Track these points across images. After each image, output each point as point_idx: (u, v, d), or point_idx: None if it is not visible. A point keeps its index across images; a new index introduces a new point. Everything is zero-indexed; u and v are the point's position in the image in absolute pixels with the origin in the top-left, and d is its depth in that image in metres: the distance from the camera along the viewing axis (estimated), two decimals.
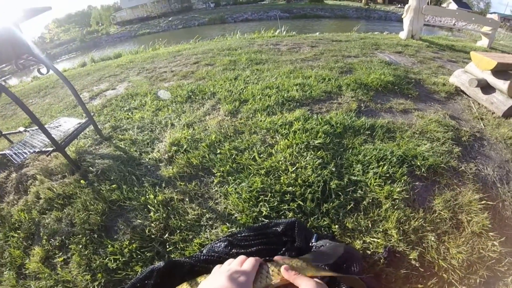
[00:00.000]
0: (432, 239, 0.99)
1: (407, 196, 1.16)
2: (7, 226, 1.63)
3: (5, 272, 1.44)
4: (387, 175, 1.26)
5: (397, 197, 1.14)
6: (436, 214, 1.09)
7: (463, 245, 0.98)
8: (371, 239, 1.01)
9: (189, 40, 7.48)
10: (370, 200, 1.15)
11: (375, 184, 1.21)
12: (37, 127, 2.39)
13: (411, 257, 0.94)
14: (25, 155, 1.82)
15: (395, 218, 1.05)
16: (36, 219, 1.59)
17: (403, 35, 4.80)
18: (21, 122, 3.03)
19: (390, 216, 1.06)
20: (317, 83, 2.27)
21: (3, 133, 2.54)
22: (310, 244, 0.80)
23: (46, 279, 1.27)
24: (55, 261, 1.34)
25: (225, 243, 0.96)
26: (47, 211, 1.60)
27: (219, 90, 2.46)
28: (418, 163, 1.31)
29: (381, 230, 1.04)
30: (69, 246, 1.34)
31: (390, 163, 1.30)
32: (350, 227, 1.06)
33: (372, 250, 0.97)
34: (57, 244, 1.40)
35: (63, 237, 1.41)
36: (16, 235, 1.55)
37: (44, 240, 1.43)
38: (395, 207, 1.10)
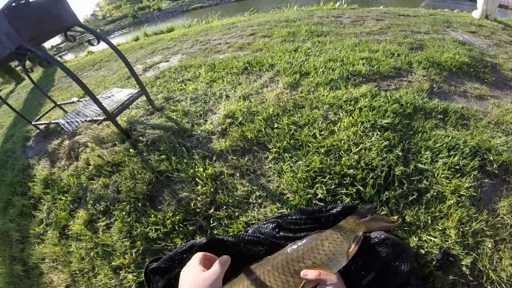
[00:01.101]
0: (489, 245, 1.03)
1: (475, 193, 1.19)
2: (56, 189, 2.04)
3: (49, 232, 1.83)
4: (457, 167, 1.30)
5: (464, 193, 1.19)
6: (499, 218, 1.13)
7: None
8: (428, 237, 1.07)
9: (243, 13, 8.26)
10: (435, 193, 1.21)
11: (442, 175, 1.27)
12: (89, 98, 2.99)
13: (463, 263, 0.99)
14: (77, 124, 2.25)
15: (457, 217, 1.10)
16: (84, 184, 1.94)
17: (476, 14, 5.10)
18: (76, 93, 3.75)
19: (453, 214, 1.12)
20: (385, 58, 2.42)
21: (57, 103, 3.21)
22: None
23: (87, 241, 1.57)
24: (98, 225, 1.63)
25: (273, 225, 1.05)
26: (95, 177, 1.93)
27: (277, 62, 2.69)
28: (491, 158, 1.34)
29: (440, 228, 1.09)
30: (113, 212, 1.61)
31: (462, 153, 1.35)
32: (408, 220, 1.12)
33: (426, 250, 1.03)
34: (101, 209, 1.69)
35: (108, 203, 1.69)
36: (63, 198, 1.93)
37: (90, 205, 1.74)
38: (460, 205, 1.15)
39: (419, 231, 1.10)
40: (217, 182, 1.50)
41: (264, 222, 1.07)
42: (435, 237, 1.07)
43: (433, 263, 0.97)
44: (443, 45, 2.82)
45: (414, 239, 1.08)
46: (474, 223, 1.10)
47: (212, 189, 1.46)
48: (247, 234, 1.05)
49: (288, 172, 1.41)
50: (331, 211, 1.01)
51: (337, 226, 0.89)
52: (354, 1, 7.53)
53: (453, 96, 1.96)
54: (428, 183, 1.25)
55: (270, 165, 1.52)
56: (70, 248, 1.63)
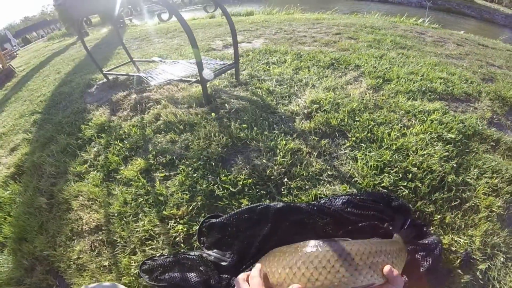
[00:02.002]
0: (501, 260, 1.33)
1: (503, 213, 1.52)
2: (113, 135, 2.32)
3: (92, 172, 2.07)
4: (495, 187, 1.65)
5: (495, 210, 1.52)
6: None
7: None
8: (458, 238, 1.39)
9: (323, 10, 9.75)
10: (473, 204, 1.55)
11: (482, 191, 1.61)
12: (173, 60, 3.40)
13: (479, 268, 1.29)
14: (162, 80, 2.61)
15: (484, 228, 1.42)
16: (148, 136, 2.20)
17: None
18: (148, 55, 4.31)
19: (481, 225, 1.44)
20: (460, 83, 2.91)
21: (133, 59, 3.65)
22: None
23: (139, 187, 1.76)
24: (155, 175, 1.83)
25: (344, 200, 1.31)
26: (162, 132, 2.21)
27: (363, 64, 3.23)
28: None
29: (469, 234, 1.41)
30: (178, 166, 1.84)
31: (501, 178, 1.71)
32: (447, 221, 1.46)
33: (454, 248, 1.35)
34: (163, 161, 1.91)
35: (174, 157, 1.92)
36: (120, 144, 2.18)
37: (151, 155, 1.97)
38: (489, 219, 1.48)
39: (453, 231, 1.43)
40: (295, 157, 1.81)
41: (336, 196, 1.36)
42: (464, 240, 1.38)
43: (458, 260, 1.30)
44: None
45: (447, 237, 1.39)
46: (495, 237, 1.40)
47: (289, 162, 1.76)
48: (320, 204, 1.30)
49: (361, 159, 1.77)
50: (393, 202, 1.36)
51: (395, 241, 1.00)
52: (434, 20, 8.91)
53: (507, 130, 2.33)
54: (469, 195, 1.59)
55: (346, 151, 1.88)
56: (113, 191, 1.83)
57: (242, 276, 0.82)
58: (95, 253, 1.55)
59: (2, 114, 4.46)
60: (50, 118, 3.25)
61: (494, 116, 2.41)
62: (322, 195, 1.53)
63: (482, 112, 2.41)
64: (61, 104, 3.53)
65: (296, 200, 1.53)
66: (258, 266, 0.82)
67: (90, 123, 2.64)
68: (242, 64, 3.39)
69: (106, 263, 1.47)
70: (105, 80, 3.52)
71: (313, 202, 1.36)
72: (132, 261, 1.42)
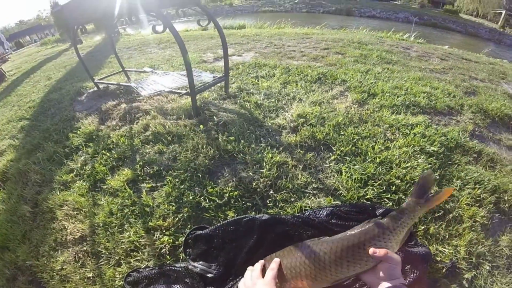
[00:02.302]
0: (487, 268, 1.36)
1: (486, 222, 1.57)
2: (100, 145, 2.31)
3: (78, 182, 2.05)
4: (478, 198, 1.71)
5: (478, 220, 1.56)
6: (499, 248, 1.47)
7: (507, 285, 1.32)
8: (443, 248, 1.41)
9: (313, 25, 10.04)
10: (456, 215, 1.59)
11: (465, 202, 1.66)
12: (164, 71, 3.41)
13: (465, 277, 1.32)
14: (153, 91, 2.62)
15: (468, 237, 1.45)
16: (136, 147, 2.20)
17: None
18: (139, 64, 4.32)
19: (465, 235, 1.47)
20: (443, 96, 3.01)
21: (124, 69, 3.66)
22: None
23: (125, 198, 1.75)
24: (142, 185, 1.82)
25: (328, 211, 1.35)
26: (150, 143, 2.22)
27: (349, 79, 3.33)
28: (506, 198, 1.75)
29: (453, 244, 1.44)
30: (165, 177, 1.84)
31: (484, 188, 1.77)
32: (431, 231, 1.48)
33: (440, 258, 1.37)
34: (150, 172, 1.91)
35: (161, 168, 1.92)
36: (108, 154, 2.17)
37: (138, 166, 1.96)
38: (472, 229, 1.52)
39: (437, 242, 1.45)
40: (281, 169, 1.85)
41: (320, 208, 1.39)
42: (449, 250, 1.40)
43: (443, 270, 1.32)
44: (494, 95, 3.36)
45: (432, 247, 1.41)
46: (480, 246, 1.44)
47: (275, 174, 1.80)
48: (304, 215, 1.33)
49: (345, 172, 1.81)
50: (377, 210, 1.39)
51: (393, 215, 1.07)
52: (420, 35, 9.19)
53: (489, 141, 2.41)
54: (453, 206, 1.63)
55: (331, 164, 1.92)
56: (99, 201, 1.82)
57: (256, 269, 0.96)
58: (79, 264, 1.51)
59: None
60: (38, 125, 3.22)
61: (476, 129, 2.50)
62: (307, 207, 1.57)
63: (464, 125, 2.51)
64: (50, 111, 3.51)
65: (281, 212, 1.56)
66: (277, 260, 0.97)
67: (78, 132, 2.62)
68: (232, 77, 3.45)
69: (90, 275, 1.44)
70: (95, 88, 3.52)
71: (298, 214, 1.39)
72: (116, 273, 1.40)
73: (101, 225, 1.66)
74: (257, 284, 0.90)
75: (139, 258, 1.43)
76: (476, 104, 2.91)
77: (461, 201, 1.66)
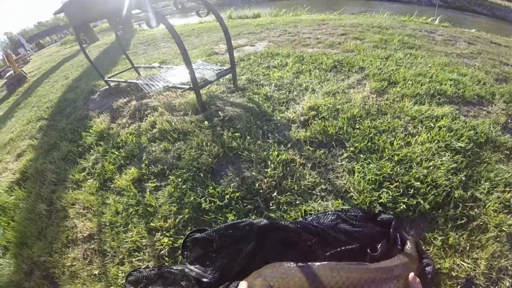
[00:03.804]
0: (507, 284, 1.22)
1: None
2: (110, 143, 2.34)
3: (89, 181, 2.10)
4: (507, 203, 1.53)
5: (505, 229, 1.39)
6: None
7: None
8: (461, 262, 1.29)
9: (330, 11, 9.65)
10: (481, 223, 1.43)
11: (492, 208, 1.49)
12: (170, 66, 3.43)
13: None
14: (156, 87, 2.61)
15: (492, 250, 1.31)
16: (143, 145, 2.20)
17: None
18: (152, 60, 4.33)
19: (489, 246, 1.32)
20: (472, 84, 2.76)
21: (134, 65, 3.72)
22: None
23: (130, 197, 1.77)
24: (146, 185, 1.83)
25: (333, 217, 1.27)
26: (157, 140, 2.21)
27: (368, 66, 3.14)
28: None
29: (474, 257, 1.30)
30: (168, 176, 1.82)
31: None
32: (450, 242, 1.35)
33: (455, 274, 1.25)
34: (155, 171, 1.90)
35: (166, 167, 1.91)
36: (116, 152, 2.20)
37: (144, 164, 1.97)
38: (497, 239, 1.36)
39: (456, 254, 1.32)
40: (287, 169, 1.75)
41: (324, 213, 1.30)
42: (468, 264, 1.27)
43: (458, 287, 1.21)
44: None
45: (448, 260, 1.28)
46: (503, 260, 1.29)
47: (280, 174, 1.70)
48: (307, 221, 1.26)
49: (358, 172, 1.68)
50: (384, 219, 1.32)
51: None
52: (445, 18, 8.64)
53: None
54: (478, 212, 1.47)
55: (343, 162, 1.79)
56: (107, 200, 1.86)
57: None
58: (87, 261, 1.58)
59: (11, 119, 4.58)
60: (55, 124, 3.32)
61: (509, 121, 2.27)
62: (313, 212, 1.47)
63: (496, 117, 2.27)
64: (65, 111, 3.60)
65: (284, 216, 1.48)
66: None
67: (90, 130, 2.68)
68: (242, 68, 3.37)
69: (97, 272, 1.50)
70: (107, 86, 3.56)
71: (299, 220, 1.31)
72: (120, 271, 1.44)
73: (107, 224, 1.70)
74: None
75: (140, 258, 1.46)
76: (509, 92, 2.65)
77: (488, 206, 1.49)
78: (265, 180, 1.66)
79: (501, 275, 1.25)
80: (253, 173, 1.72)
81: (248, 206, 1.55)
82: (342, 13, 9.04)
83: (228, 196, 1.59)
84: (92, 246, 1.64)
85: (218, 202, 1.57)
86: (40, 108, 4.25)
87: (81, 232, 1.74)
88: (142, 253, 1.47)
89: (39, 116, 3.87)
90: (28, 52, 19.50)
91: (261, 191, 1.62)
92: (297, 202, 1.55)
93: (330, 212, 1.30)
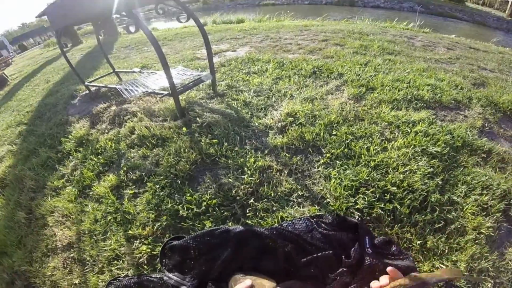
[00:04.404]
0: (489, 285, 1.23)
1: (492, 234, 1.42)
2: (89, 149, 2.30)
3: (68, 188, 2.05)
4: (485, 206, 1.55)
5: (484, 231, 1.42)
6: (504, 263, 1.34)
7: None
8: (440, 265, 1.29)
9: (314, 17, 9.76)
10: (458, 226, 1.45)
11: (470, 211, 1.51)
12: (151, 71, 3.39)
13: None
14: (135, 93, 2.58)
15: (471, 252, 1.33)
16: (122, 151, 2.17)
17: None
18: (134, 65, 4.28)
19: (468, 248, 1.34)
20: (449, 89, 2.81)
21: (115, 70, 3.66)
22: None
23: (108, 204, 1.74)
24: (125, 192, 1.80)
25: (308, 223, 1.25)
26: (135, 146, 2.18)
27: (346, 72, 3.15)
28: None
29: (453, 259, 1.31)
30: (146, 183, 1.80)
31: (492, 194, 1.61)
32: (428, 246, 1.35)
33: None
34: (133, 178, 1.88)
35: (144, 173, 1.88)
36: (95, 159, 2.16)
37: (122, 171, 1.94)
38: (476, 241, 1.38)
39: (435, 257, 1.33)
40: (264, 175, 1.75)
41: (299, 218, 1.29)
42: (447, 267, 1.28)
43: None
44: (505, 86, 3.17)
45: (427, 263, 1.30)
46: (483, 261, 1.31)
47: (257, 181, 1.70)
48: (282, 227, 1.23)
49: (335, 178, 1.68)
50: (351, 223, 1.29)
51: None
52: (425, 24, 8.85)
53: (500, 138, 2.24)
54: (455, 215, 1.49)
55: (319, 169, 1.79)
56: (85, 208, 1.82)
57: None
58: (67, 270, 1.54)
59: None
60: (34, 129, 3.23)
61: (486, 124, 2.33)
62: (289, 218, 1.47)
63: (473, 120, 2.33)
64: (45, 116, 3.52)
65: (261, 222, 1.48)
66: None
67: (70, 136, 2.63)
68: (223, 74, 3.36)
69: (77, 281, 1.46)
70: (87, 91, 3.49)
71: (275, 226, 1.30)
72: (100, 280, 1.41)
73: (86, 232, 1.67)
74: None
75: (120, 266, 1.43)
76: (486, 96, 2.72)
77: (466, 209, 1.52)
78: (242, 186, 1.66)
79: (482, 276, 1.28)
80: (230, 179, 1.71)
81: (225, 213, 1.54)
82: (326, 19, 9.17)
83: (205, 203, 1.58)
84: (72, 255, 1.60)
85: (195, 209, 1.56)
86: (20, 113, 4.12)
87: (60, 241, 1.69)
88: (121, 262, 1.45)
89: (19, 121, 3.76)
90: (11, 54, 18.94)
91: (238, 197, 1.61)
92: (274, 208, 1.55)
93: (304, 218, 1.30)
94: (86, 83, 3.40)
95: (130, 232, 1.54)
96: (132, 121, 2.51)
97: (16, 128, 3.53)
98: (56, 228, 1.80)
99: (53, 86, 4.90)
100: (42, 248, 1.71)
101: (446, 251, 1.35)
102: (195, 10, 33.49)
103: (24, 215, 2.00)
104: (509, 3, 28.77)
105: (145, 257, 1.42)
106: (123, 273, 1.40)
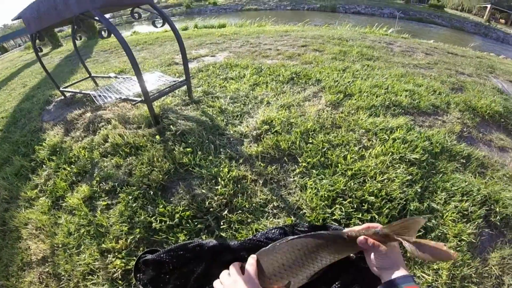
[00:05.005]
0: None
1: (474, 240, 1.42)
2: (62, 158, 2.21)
3: (41, 199, 1.98)
4: (465, 212, 1.55)
5: (465, 238, 1.41)
6: (487, 268, 1.35)
7: None
8: (422, 273, 1.28)
9: (296, 22, 9.80)
10: (439, 234, 1.44)
11: (450, 218, 1.50)
12: (126, 76, 3.31)
13: None
14: (109, 99, 2.49)
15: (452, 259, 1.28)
16: (95, 160, 2.10)
17: None
18: (112, 69, 4.17)
19: None
20: (427, 94, 2.83)
21: (92, 75, 3.55)
22: None
23: (81, 217, 1.68)
24: (98, 203, 1.74)
25: (281, 231, 1.22)
26: (109, 155, 2.10)
27: (325, 78, 3.12)
28: (497, 209, 1.59)
29: (434, 267, 1.30)
30: (119, 194, 1.74)
31: (473, 200, 1.61)
32: (409, 255, 1.28)
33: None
34: (106, 188, 1.81)
35: (116, 184, 1.81)
36: (68, 168, 2.08)
37: (95, 181, 1.88)
38: (458, 249, 1.37)
39: (416, 266, 1.32)
40: (238, 186, 1.69)
41: (272, 228, 1.25)
42: (428, 275, 1.27)
43: None
44: (483, 90, 3.21)
45: (410, 273, 1.27)
46: (466, 268, 1.31)
47: (231, 192, 1.65)
48: (257, 238, 1.20)
49: (311, 188, 1.64)
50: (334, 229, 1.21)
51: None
52: (405, 30, 9.21)
53: (479, 143, 2.25)
54: (436, 223, 1.48)
55: (295, 178, 1.75)
56: (59, 220, 1.75)
57: (235, 267, 0.90)
58: (43, 285, 1.49)
59: None
60: (8, 136, 3.10)
61: (465, 129, 2.34)
62: (264, 229, 1.38)
63: (451, 126, 2.33)
64: (20, 122, 3.38)
65: (236, 235, 1.44)
66: (254, 256, 0.91)
67: (43, 144, 2.53)
68: (200, 80, 3.29)
69: None
70: (63, 97, 3.38)
71: (249, 238, 1.26)
72: None
73: (60, 245, 1.61)
74: (237, 282, 0.82)
75: (94, 281, 1.38)
76: (464, 101, 2.76)
77: (446, 216, 1.51)
78: (216, 198, 1.61)
79: (465, 283, 1.27)
80: (204, 190, 1.66)
81: (199, 226, 1.49)
82: (307, 25, 9.19)
83: (178, 215, 1.52)
84: (47, 270, 1.54)
85: (168, 222, 1.50)
86: None
87: (35, 255, 1.64)
88: (96, 276, 1.40)
89: None
90: None
91: (211, 209, 1.57)
92: (249, 220, 1.51)
93: (277, 227, 1.26)
94: (61, 89, 3.30)
95: (103, 245, 1.49)
96: (106, 129, 2.43)
97: None
98: (30, 241, 1.73)
99: (29, 91, 4.73)
100: (17, 262, 1.65)
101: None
102: (178, 14, 33.22)
103: None
104: (487, 9, 30.46)
105: (119, 272, 1.37)
106: None
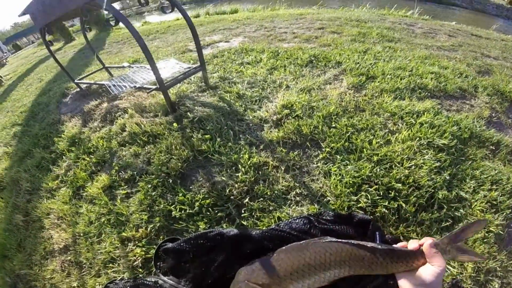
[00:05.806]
0: (496, 286, 1.19)
1: (501, 232, 1.35)
2: (82, 149, 2.25)
3: (62, 189, 2.01)
4: (494, 202, 1.48)
5: (493, 229, 1.35)
6: None
7: None
8: (447, 266, 1.22)
9: (310, 5, 9.56)
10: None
11: (479, 208, 1.44)
12: (140, 65, 3.31)
13: None
14: (124, 89, 2.49)
15: (479, 251, 1.28)
16: (114, 149, 2.11)
17: None
18: (125, 59, 4.20)
19: (476, 248, 1.29)
20: (454, 77, 2.70)
21: (105, 66, 3.59)
22: None
23: (101, 206, 1.70)
24: (117, 192, 1.75)
25: (305, 220, 1.17)
26: (127, 144, 2.11)
27: (345, 61, 3.03)
28: None
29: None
30: (138, 183, 1.74)
31: (502, 189, 1.53)
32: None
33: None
34: (125, 177, 1.82)
35: (135, 172, 1.82)
36: (87, 158, 2.11)
37: (114, 171, 1.89)
38: (485, 240, 1.32)
39: None
40: (260, 172, 1.66)
41: (296, 218, 1.22)
42: (453, 267, 1.24)
43: None
44: (510, 74, 3.07)
45: None
46: (491, 261, 1.26)
47: (252, 179, 1.61)
48: (280, 228, 1.16)
49: (335, 174, 1.59)
50: (361, 219, 1.20)
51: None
52: (424, 12, 8.84)
53: (508, 129, 2.14)
54: (464, 213, 1.42)
55: (318, 164, 1.70)
56: (80, 209, 1.78)
57: None
58: (65, 273, 1.53)
59: None
60: (28, 130, 3.19)
61: (493, 114, 2.22)
62: (287, 218, 1.39)
63: (480, 110, 2.23)
64: (39, 115, 3.48)
65: (258, 223, 1.41)
66: None
67: (62, 136, 2.58)
68: (215, 66, 3.27)
69: (75, 284, 1.45)
70: (78, 89, 3.43)
71: (271, 227, 1.22)
72: (97, 283, 1.40)
73: (81, 234, 1.64)
74: None
75: (115, 269, 1.40)
76: (492, 85, 2.62)
77: (474, 206, 1.44)
78: (237, 185, 1.58)
79: (490, 277, 1.22)
80: (224, 178, 1.63)
81: (220, 214, 1.47)
82: (322, 7, 8.96)
83: (198, 203, 1.52)
84: (69, 258, 1.58)
85: (188, 210, 1.50)
86: (14, 113, 4.07)
87: (57, 244, 1.67)
88: (116, 264, 1.41)
89: (13, 121, 3.71)
90: (5, 54, 18.81)
91: (232, 197, 1.54)
92: (271, 208, 1.47)
93: (301, 216, 1.22)
94: (76, 81, 3.34)
95: (123, 234, 1.50)
96: (123, 118, 2.44)
97: (10, 129, 3.48)
98: (53, 230, 1.77)
99: (45, 85, 4.84)
100: (40, 251, 1.70)
101: None
102: (189, 3, 33.14)
103: (22, 218, 1.99)
104: None
105: (139, 260, 1.38)
106: (119, 276, 1.36)
